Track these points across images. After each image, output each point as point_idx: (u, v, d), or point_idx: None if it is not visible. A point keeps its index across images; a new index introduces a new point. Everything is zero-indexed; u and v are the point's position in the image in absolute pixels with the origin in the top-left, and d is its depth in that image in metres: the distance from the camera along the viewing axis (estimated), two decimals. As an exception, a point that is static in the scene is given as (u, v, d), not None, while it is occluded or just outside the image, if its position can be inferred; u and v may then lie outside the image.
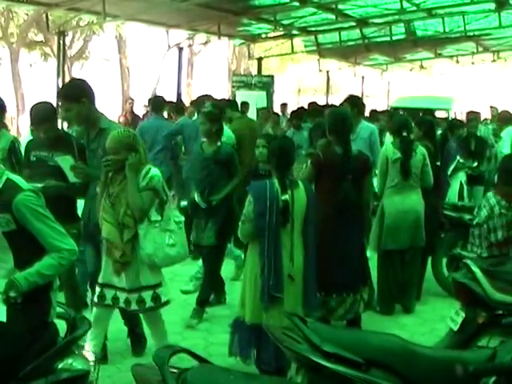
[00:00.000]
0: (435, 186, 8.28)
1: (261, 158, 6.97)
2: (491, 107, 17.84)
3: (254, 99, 17.79)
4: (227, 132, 9.54)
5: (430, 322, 7.59)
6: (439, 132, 12.14)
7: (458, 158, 10.56)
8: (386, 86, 30.87)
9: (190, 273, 8.20)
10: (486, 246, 5.69)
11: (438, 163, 8.85)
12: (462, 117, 18.79)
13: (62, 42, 15.13)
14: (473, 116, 11.79)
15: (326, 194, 6.36)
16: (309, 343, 3.71)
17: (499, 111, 12.59)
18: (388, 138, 10.47)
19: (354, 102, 8.78)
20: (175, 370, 3.01)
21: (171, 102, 14.09)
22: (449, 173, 10.22)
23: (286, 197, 5.40)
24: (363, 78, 28.20)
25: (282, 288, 5.40)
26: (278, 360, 5.42)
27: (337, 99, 27.07)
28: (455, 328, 5.44)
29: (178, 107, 12.50)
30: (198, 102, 10.42)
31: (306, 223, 5.55)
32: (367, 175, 6.72)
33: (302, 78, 41.79)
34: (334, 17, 17.13)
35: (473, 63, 26.79)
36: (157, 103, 11.01)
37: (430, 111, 17.81)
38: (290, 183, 5.53)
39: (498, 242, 5.55)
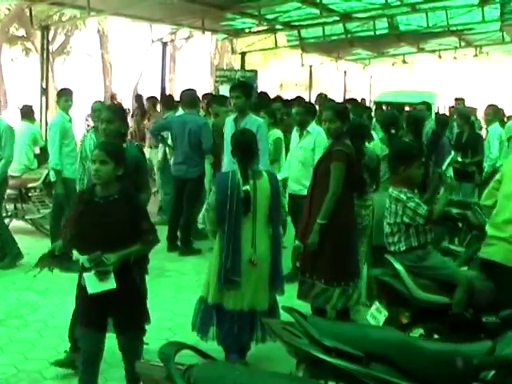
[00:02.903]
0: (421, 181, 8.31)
1: (94, 177, 4.86)
2: (456, 99, 17.27)
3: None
4: None
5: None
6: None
7: (452, 154, 10.63)
8: (367, 80, 30.91)
9: (178, 269, 8.19)
10: (405, 238, 5.63)
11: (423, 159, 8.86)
12: (445, 111, 18.90)
13: (45, 37, 14.96)
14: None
15: (348, 184, 6.43)
16: (309, 338, 3.72)
17: (490, 106, 12.35)
18: (294, 135, 9.10)
19: (247, 91, 8.56)
20: (180, 367, 3.00)
21: (153, 98, 14.08)
22: (443, 168, 10.23)
23: (247, 187, 5.67)
24: (345, 72, 28.23)
25: (238, 272, 5.70)
26: (237, 340, 5.80)
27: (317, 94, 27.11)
28: None
29: (166, 101, 12.43)
30: (182, 97, 10.38)
31: (271, 212, 5.81)
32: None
33: (285, 73, 41.78)
34: (318, 11, 17.13)
35: (455, 58, 26.87)
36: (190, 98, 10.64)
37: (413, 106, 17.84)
38: (253, 174, 5.79)
39: (424, 219, 5.49)
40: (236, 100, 8.35)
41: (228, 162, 8.17)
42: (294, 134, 8.99)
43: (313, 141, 8.41)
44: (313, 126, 8.63)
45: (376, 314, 5.55)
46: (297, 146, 8.63)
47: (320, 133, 8.39)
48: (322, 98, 15.71)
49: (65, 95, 9.52)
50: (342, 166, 6.30)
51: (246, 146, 5.89)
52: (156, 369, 3.03)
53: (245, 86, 8.67)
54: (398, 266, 5.44)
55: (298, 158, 8.42)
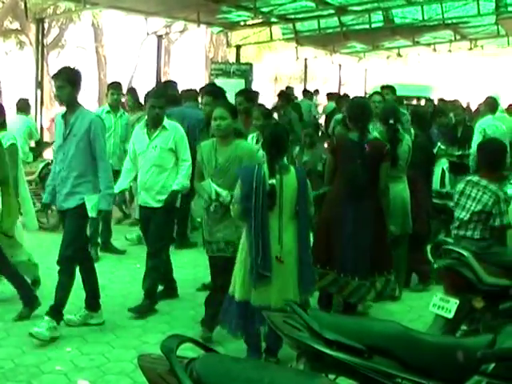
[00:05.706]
0: (426, 175, 8.33)
1: None
2: (383, 88, 15.25)
3: (233, 87, 17.69)
4: None
5: (417, 309, 7.63)
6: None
7: (439, 144, 10.59)
8: (362, 73, 30.90)
9: (174, 262, 8.11)
10: (481, 228, 5.75)
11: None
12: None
13: (40, 30, 14.90)
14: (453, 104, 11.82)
15: (337, 177, 6.71)
16: (310, 331, 3.71)
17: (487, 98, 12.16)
18: (137, 132, 7.71)
19: (72, 78, 6.48)
20: (182, 360, 2.99)
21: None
22: (431, 159, 10.25)
23: (273, 181, 5.59)
24: (340, 65, 28.19)
25: (269, 267, 5.59)
26: (266, 339, 5.79)
27: (313, 87, 27.07)
28: (450, 315, 5.46)
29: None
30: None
31: (298, 207, 5.71)
32: (383, 163, 6.76)
33: (279, 66, 41.74)
34: (313, 4, 17.11)
35: (450, 51, 26.86)
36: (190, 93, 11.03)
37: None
38: (280, 168, 5.70)
39: (501, 225, 5.65)
40: (59, 91, 6.44)
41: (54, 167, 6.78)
42: (137, 131, 7.54)
43: (171, 138, 7.21)
44: (168, 121, 7.34)
45: (442, 304, 5.59)
46: (148, 146, 7.23)
47: (178, 128, 7.33)
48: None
49: (112, 89, 9.95)
50: (329, 155, 6.92)
51: (275, 140, 5.81)
52: (158, 362, 3.01)
53: (69, 73, 6.47)
54: (465, 253, 5.55)
55: (152, 161, 7.18)
